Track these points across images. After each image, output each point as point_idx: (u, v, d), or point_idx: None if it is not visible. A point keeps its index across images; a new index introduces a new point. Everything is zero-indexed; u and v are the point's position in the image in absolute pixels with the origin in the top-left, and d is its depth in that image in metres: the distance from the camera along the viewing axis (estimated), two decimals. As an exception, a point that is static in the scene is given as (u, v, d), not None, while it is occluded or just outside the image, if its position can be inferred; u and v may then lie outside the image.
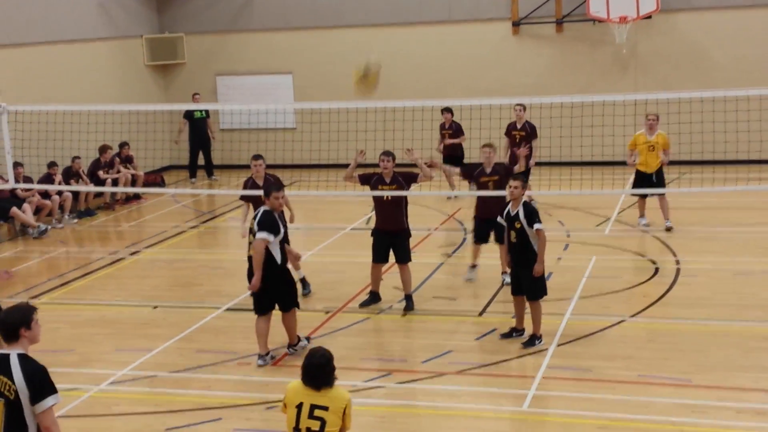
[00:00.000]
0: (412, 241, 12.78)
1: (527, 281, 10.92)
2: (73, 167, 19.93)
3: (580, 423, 9.02)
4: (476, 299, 12.94)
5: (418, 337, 11.75)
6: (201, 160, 24.07)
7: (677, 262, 14.44)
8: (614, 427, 8.92)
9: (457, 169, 13.64)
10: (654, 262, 14.54)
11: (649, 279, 13.66)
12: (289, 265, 12.87)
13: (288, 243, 12.96)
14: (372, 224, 13.03)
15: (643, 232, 16.36)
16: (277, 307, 10.75)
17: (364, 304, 12.74)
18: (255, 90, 25.06)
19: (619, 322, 11.75)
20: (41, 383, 5.93)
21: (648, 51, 22.84)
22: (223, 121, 25.45)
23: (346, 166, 13.00)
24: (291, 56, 25.01)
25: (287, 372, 10.43)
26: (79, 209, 19.96)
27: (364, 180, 12.62)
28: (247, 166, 13.95)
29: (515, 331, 11.32)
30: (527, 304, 11.14)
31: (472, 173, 13.30)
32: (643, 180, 16.19)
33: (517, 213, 10.89)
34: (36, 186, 18.40)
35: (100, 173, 20.55)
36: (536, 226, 10.80)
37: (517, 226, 10.87)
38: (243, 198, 13.62)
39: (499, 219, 11.39)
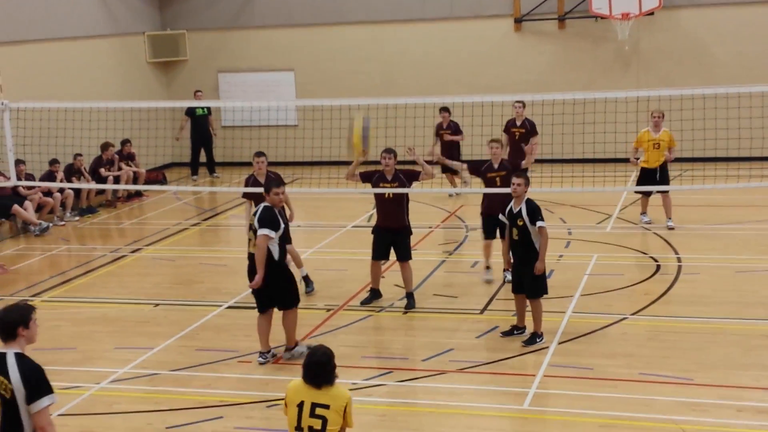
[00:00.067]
0: (414, 239, 12.78)
1: (528, 279, 10.90)
2: (75, 164, 19.94)
3: (581, 421, 9.01)
4: (477, 297, 12.93)
5: (419, 335, 11.75)
6: (203, 158, 24.06)
7: (679, 260, 14.43)
8: (615, 425, 8.91)
9: (465, 165, 13.60)
10: (655, 260, 14.53)
11: (650, 277, 13.65)
12: (292, 264, 12.96)
13: (290, 242, 13.02)
14: (373, 221, 13.02)
15: (644, 230, 16.34)
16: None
17: (365, 302, 12.74)
18: (257, 87, 25.06)
19: (621, 320, 11.74)
20: (37, 383, 5.92)
21: (650, 48, 22.81)
22: (224, 118, 25.44)
23: (348, 163, 13.00)
24: (293, 53, 25.01)
25: (288, 370, 10.43)
26: (81, 207, 19.97)
27: (366, 178, 12.62)
28: (249, 164, 13.95)
29: (516, 329, 11.32)
30: (528, 302, 11.13)
31: (480, 169, 13.28)
32: (647, 177, 16.14)
33: (520, 210, 10.88)
34: (38, 183, 18.40)
35: (102, 171, 20.55)
36: (539, 223, 10.78)
37: (520, 223, 10.85)
38: (245, 195, 13.61)
39: (500, 216, 11.37)
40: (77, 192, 19.74)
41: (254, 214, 10.40)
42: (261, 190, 12.12)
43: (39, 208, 18.72)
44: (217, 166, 24.27)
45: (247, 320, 11.84)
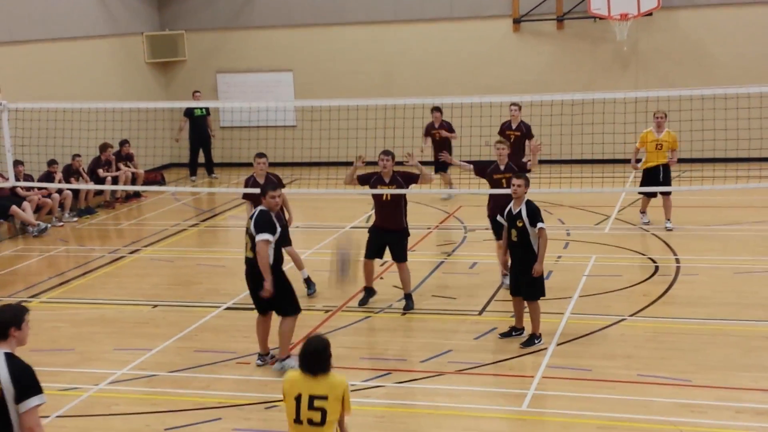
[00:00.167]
0: (412, 240, 12.78)
1: (526, 281, 10.89)
2: (74, 165, 19.93)
3: (579, 422, 9.01)
4: (476, 298, 12.92)
5: (418, 336, 11.75)
6: (201, 158, 24.06)
7: (677, 261, 14.43)
8: (613, 426, 8.91)
9: (471, 166, 13.62)
10: (654, 261, 14.53)
11: (649, 278, 13.65)
12: (293, 267, 12.95)
13: (290, 243, 13.03)
14: (372, 222, 13.01)
15: (643, 231, 16.34)
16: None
17: (362, 302, 12.74)
18: (255, 87, 25.07)
19: (619, 321, 11.74)
20: (27, 382, 5.88)
21: (649, 48, 22.82)
22: (223, 118, 25.45)
23: (347, 164, 12.99)
24: (292, 54, 25.01)
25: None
26: (80, 207, 19.96)
27: (364, 180, 12.60)
28: (248, 164, 13.94)
29: (515, 330, 11.31)
30: (526, 304, 11.12)
31: (485, 170, 13.26)
32: (649, 178, 16.10)
33: (520, 211, 10.86)
34: (36, 184, 18.39)
35: (100, 171, 20.55)
36: (539, 225, 10.77)
37: (519, 224, 10.84)
38: (245, 196, 13.59)
39: (498, 218, 11.37)
40: (76, 193, 19.73)
41: (250, 218, 10.32)
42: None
43: (37, 209, 18.72)
44: (215, 166, 24.27)
45: (246, 321, 11.83)
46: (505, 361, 10.65)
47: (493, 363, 10.60)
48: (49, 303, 13.74)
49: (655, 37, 22.76)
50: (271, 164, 13.29)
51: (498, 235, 13.16)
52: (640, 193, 16.89)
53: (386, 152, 12.48)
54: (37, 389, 5.91)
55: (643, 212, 16.69)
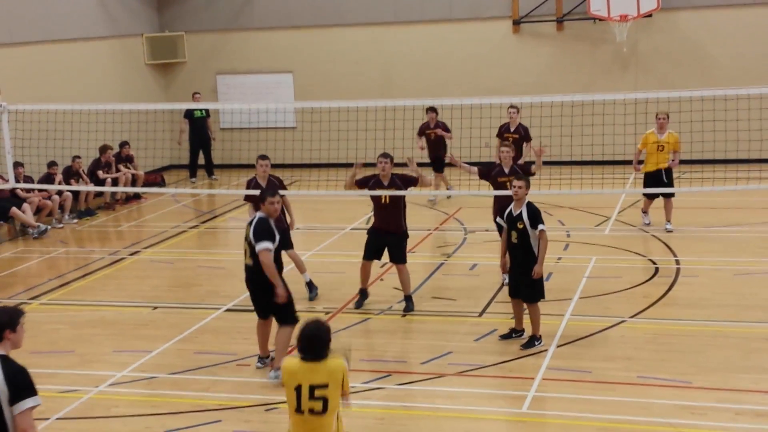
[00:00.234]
0: (412, 241, 12.79)
1: (526, 284, 10.88)
2: (74, 167, 19.93)
3: (579, 424, 9.01)
4: (476, 300, 12.91)
5: (418, 338, 11.75)
6: (201, 160, 24.05)
7: (677, 262, 14.43)
8: (613, 428, 8.92)
9: (475, 169, 13.62)
10: (654, 263, 14.52)
11: (649, 279, 13.65)
12: (294, 269, 12.93)
13: (292, 247, 13.03)
14: (372, 224, 13.01)
15: (643, 232, 16.34)
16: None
17: (358, 305, 12.75)
18: (255, 89, 25.06)
19: (619, 323, 11.74)
20: (21, 384, 5.85)
21: (648, 49, 22.83)
22: (223, 120, 25.45)
23: (347, 165, 12.99)
24: (291, 55, 25.01)
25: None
26: (80, 209, 19.96)
27: (362, 183, 12.59)
28: (248, 166, 13.95)
29: (515, 332, 11.31)
30: (526, 306, 11.12)
31: (490, 173, 13.25)
32: (652, 180, 16.07)
33: (520, 213, 10.85)
34: (36, 186, 18.39)
35: (100, 173, 20.54)
36: (540, 227, 10.76)
37: (520, 226, 10.82)
38: (246, 198, 13.57)
39: (498, 220, 11.36)
40: (75, 194, 19.72)
41: (249, 225, 10.17)
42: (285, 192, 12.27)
43: (37, 211, 18.72)
44: (215, 168, 24.26)
45: (246, 323, 11.82)
46: (506, 363, 10.64)
47: (494, 365, 10.60)
48: (49, 305, 13.74)
49: (655, 38, 22.76)
50: (271, 166, 13.27)
51: None
52: (644, 194, 16.85)
53: (385, 155, 12.47)
54: (31, 391, 5.88)
55: (644, 212, 16.68)
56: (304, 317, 7.21)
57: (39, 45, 21.27)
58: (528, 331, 11.17)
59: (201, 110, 23.53)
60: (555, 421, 9.20)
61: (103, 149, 20.69)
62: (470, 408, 9.56)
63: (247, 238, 10.14)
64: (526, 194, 10.97)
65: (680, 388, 9.72)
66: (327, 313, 12.58)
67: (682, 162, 16.51)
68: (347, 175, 12.69)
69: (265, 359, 10.68)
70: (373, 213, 12.87)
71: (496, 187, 13.07)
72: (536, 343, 11.00)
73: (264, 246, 9.89)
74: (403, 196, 12.51)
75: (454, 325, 12.05)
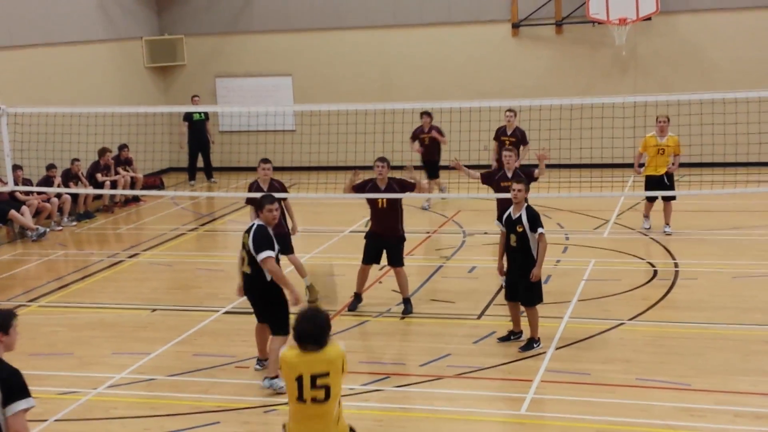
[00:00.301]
0: (411, 244, 12.79)
1: (525, 287, 10.86)
2: (73, 169, 19.92)
3: (578, 426, 9.01)
4: (475, 302, 12.91)
5: (416, 340, 11.74)
6: (200, 163, 24.05)
7: (676, 265, 14.44)
8: (613, 430, 8.92)
9: (478, 173, 13.61)
10: (653, 265, 14.53)
11: (647, 282, 13.65)
12: (294, 273, 12.92)
13: (292, 252, 13.02)
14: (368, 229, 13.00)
15: (642, 235, 16.34)
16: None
17: (351, 308, 12.75)
18: (254, 92, 25.06)
19: (618, 326, 11.74)
20: (14, 386, 5.83)
21: (648, 53, 22.84)
22: (222, 123, 25.45)
23: (346, 168, 13.00)
24: (291, 58, 25.02)
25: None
26: (78, 212, 19.95)
27: (359, 188, 12.58)
28: (247, 169, 13.96)
29: (513, 334, 11.31)
30: (523, 308, 11.11)
31: (493, 178, 13.25)
32: (653, 184, 16.05)
33: (520, 216, 10.84)
34: (35, 188, 18.39)
35: (99, 176, 20.54)
36: (539, 230, 10.75)
37: (519, 230, 10.81)
38: (248, 201, 13.57)
39: (496, 223, 11.35)
40: (74, 197, 19.72)
41: (247, 232, 10.01)
42: (280, 196, 12.27)
43: (36, 213, 18.71)
44: (214, 171, 24.25)
45: (245, 325, 11.81)
46: (504, 365, 10.64)
47: (492, 367, 10.60)
48: (48, 307, 13.73)
49: (654, 41, 22.78)
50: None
51: None
52: (646, 197, 16.83)
53: (382, 159, 12.46)
54: (24, 393, 5.85)
55: (646, 216, 16.61)
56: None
57: (38, 48, 21.28)
58: (526, 333, 11.17)
59: (200, 113, 23.53)
60: (554, 423, 9.19)
61: (102, 152, 20.68)
62: (469, 410, 9.56)
63: (245, 246, 10.00)
64: (525, 197, 10.97)
65: (679, 390, 9.72)
66: (326, 315, 12.55)
67: (682, 165, 16.51)
68: (346, 181, 12.69)
69: (264, 361, 10.65)
70: (370, 217, 12.86)
71: (498, 192, 13.03)
72: (535, 345, 10.99)
73: (266, 255, 9.78)
74: (400, 201, 12.51)
75: (453, 327, 12.05)
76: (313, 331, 6.39)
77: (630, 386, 9.87)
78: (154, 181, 23.29)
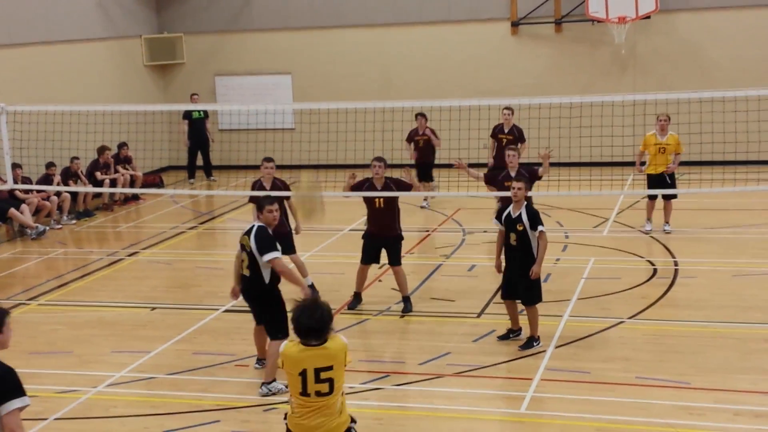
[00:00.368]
0: (411, 242, 12.80)
1: (524, 286, 10.85)
2: (72, 168, 19.92)
3: (577, 425, 9.01)
4: (474, 301, 12.92)
5: (416, 338, 11.74)
6: (200, 161, 24.05)
7: (676, 264, 14.44)
8: (612, 429, 8.92)
9: (482, 174, 13.59)
10: (652, 264, 14.53)
11: (647, 280, 13.65)
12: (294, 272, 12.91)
13: (295, 252, 13.03)
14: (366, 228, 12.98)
15: (641, 233, 16.34)
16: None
17: (351, 307, 12.77)
18: (254, 90, 25.06)
19: (618, 324, 11.75)
20: (9, 384, 5.80)
21: (647, 51, 22.84)
22: (221, 121, 25.45)
23: (346, 166, 13.01)
24: (290, 56, 25.01)
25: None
26: (78, 210, 19.95)
27: (356, 188, 12.59)
28: (246, 167, 13.96)
29: (512, 332, 11.31)
30: (522, 306, 11.11)
31: (496, 178, 13.24)
32: (654, 183, 16.03)
33: (520, 215, 10.83)
34: (34, 187, 18.39)
35: (98, 174, 20.54)
36: (539, 228, 10.75)
37: (519, 228, 10.80)
38: (251, 200, 13.57)
39: (494, 222, 11.31)
40: (74, 195, 19.72)
41: (247, 234, 9.92)
42: (271, 194, 12.27)
43: (36, 212, 18.71)
44: (213, 169, 24.26)
45: (244, 324, 11.79)
46: (504, 364, 10.65)
47: (492, 365, 10.60)
48: (48, 305, 13.73)
49: (654, 40, 22.78)
50: (270, 167, 13.27)
51: None
52: (647, 195, 16.81)
53: (379, 158, 12.46)
54: (19, 392, 5.82)
55: (648, 219, 16.40)
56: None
57: (37, 46, 21.27)
58: (525, 330, 11.17)
59: (199, 111, 23.53)
60: (553, 421, 9.20)
61: (102, 150, 20.69)
62: (468, 408, 9.56)
63: (245, 248, 9.90)
64: (525, 195, 10.97)
65: (679, 388, 9.72)
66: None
67: (682, 164, 16.51)
68: (345, 184, 12.72)
69: (263, 360, 10.61)
70: (367, 217, 12.84)
71: (502, 191, 13.01)
72: (534, 344, 11.00)
73: (273, 255, 9.72)
74: (397, 200, 12.52)
75: (453, 326, 12.06)
76: (316, 325, 6.36)
77: (629, 385, 9.87)
78: (154, 179, 23.29)
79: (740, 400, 9.43)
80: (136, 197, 21.34)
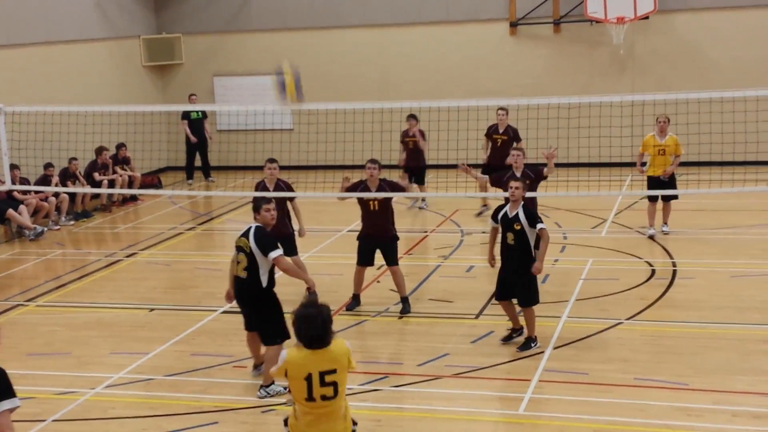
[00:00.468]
0: (409, 243, 12.80)
1: (522, 287, 10.83)
2: (70, 168, 19.92)
3: (576, 426, 9.01)
4: (472, 302, 12.92)
5: (414, 339, 11.74)
6: (198, 162, 24.04)
7: (674, 264, 14.45)
8: (610, 430, 8.92)
9: (486, 177, 13.59)
10: (651, 265, 14.53)
11: (645, 281, 13.65)
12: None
13: (296, 253, 13.03)
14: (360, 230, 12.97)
15: (640, 234, 16.34)
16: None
17: (350, 308, 12.77)
18: (252, 91, 25.03)
19: (616, 325, 11.75)
20: None
21: (646, 51, 22.85)
22: (220, 122, 25.44)
23: (344, 167, 13.01)
24: (289, 57, 24.79)
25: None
26: (76, 211, 19.94)
27: (350, 190, 12.60)
28: (245, 168, 13.96)
29: (514, 332, 11.28)
30: (519, 307, 11.10)
31: (502, 179, 13.25)
32: (655, 185, 15.98)
33: (517, 215, 10.83)
34: (33, 188, 18.38)
35: (96, 175, 20.53)
36: (540, 225, 10.73)
37: (517, 228, 10.79)
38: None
39: (490, 222, 11.29)
40: (72, 196, 19.72)
41: (244, 236, 9.86)
42: (272, 194, 12.32)
43: (34, 213, 18.70)
44: (212, 170, 24.25)
45: (243, 325, 11.78)
46: (502, 365, 10.64)
47: (490, 367, 10.60)
48: (46, 306, 13.72)
49: (652, 40, 22.78)
50: (268, 168, 13.27)
51: None
52: (646, 196, 16.78)
53: (373, 161, 12.46)
54: (8, 393, 5.79)
55: (651, 224, 16.29)
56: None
57: (36, 47, 21.26)
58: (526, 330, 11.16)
59: (198, 112, 23.52)
60: (552, 423, 9.19)
61: (100, 151, 20.68)
62: (467, 410, 9.55)
63: (243, 250, 9.82)
64: (523, 195, 10.97)
65: (677, 390, 9.72)
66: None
67: (680, 164, 16.51)
68: (340, 190, 12.73)
69: (260, 366, 10.48)
70: (361, 219, 12.83)
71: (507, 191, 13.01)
72: (532, 345, 10.99)
73: (277, 254, 9.66)
74: (391, 201, 12.53)
75: (451, 327, 12.05)
76: (319, 333, 6.37)
77: (628, 386, 9.87)
78: (152, 180, 23.28)
79: (738, 401, 9.44)
80: (134, 198, 21.34)
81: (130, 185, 21.37)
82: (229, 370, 10.85)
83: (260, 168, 13.62)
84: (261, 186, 13.21)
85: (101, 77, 23.37)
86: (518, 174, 12.92)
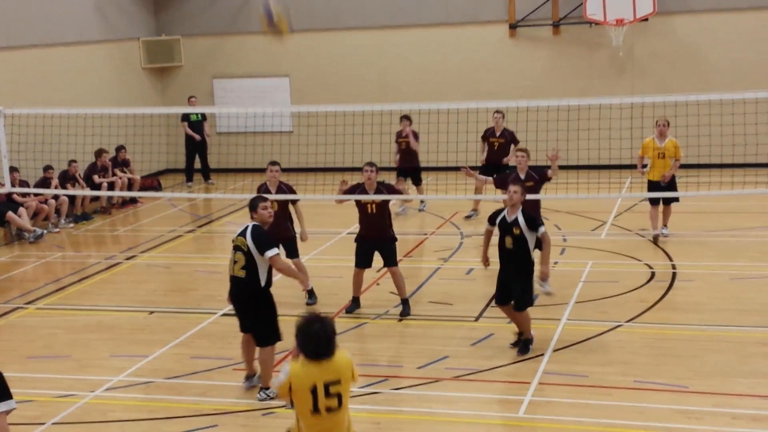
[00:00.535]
0: (409, 246, 12.79)
1: (519, 291, 10.79)
2: (70, 171, 19.91)
3: (575, 429, 9.02)
4: (472, 304, 12.92)
5: (414, 342, 11.74)
6: (197, 164, 24.04)
7: (673, 267, 14.44)
8: (610, 433, 8.93)
9: (490, 179, 13.59)
10: (650, 267, 14.53)
11: (645, 284, 13.65)
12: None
13: (297, 256, 13.04)
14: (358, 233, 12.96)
15: (639, 237, 16.34)
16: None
17: (349, 311, 12.77)
18: (252, 93, 25.07)
19: (615, 328, 11.75)
20: None
21: (645, 54, 22.86)
22: (219, 124, 25.44)
23: (344, 169, 13.01)
24: (288, 59, 25.01)
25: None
26: (76, 213, 19.94)
27: (348, 193, 12.61)
28: (244, 170, 13.94)
29: (521, 335, 11.22)
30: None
31: (505, 180, 13.23)
32: (655, 188, 15.87)
33: (516, 219, 10.82)
34: (32, 190, 18.37)
35: (96, 177, 20.53)
36: (541, 229, 10.72)
37: (516, 232, 10.76)
38: None
39: (488, 226, 11.24)
40: (72, 199, 19.72)
41: (241, 235, 9.77)
42: (274, 197, 12.38)
43: (33, 215, 18.69)
44: (211, 172, 24.25)
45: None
46: (502, 368, 10.64)
47: (490, 369, 10.60)
48: (45, 309, 13.72)
49: (651, 42, 22.79)
50: (267, 170, 13.27)
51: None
52: (647, 199, 16.76)
53: (371, 163, 12.47)
54: (4, 395, 5.80)
55: (654, 228, 16.23)
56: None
57: (35, 49, 21.27)
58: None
59: (197, 114, 23.52)
60: (551, 425, 9.20)
61: (99, 153, 20.68)
62: (466, 413, 9.55)
63: (241, 248, 9.76)
64: (522, 199, 10.95)
65: (677, 392, 9.72)
66: (323, 317, 12.55)
67: (679, 166, 16.51)
68: (336, 195, 12.74)
69: (252, 377, 10.34)
70: (359, 221, 12.83)
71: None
72: (531, 346, 10.98)
73: (274, 252, 9.65)
74: (388, 204, 12.54)
75: (451, 329, 12.05)
76: (325, 346, 6.31)
77: (628, 388, 9.87)
78: (152, 182, 23.27)
79: (738, 403, 9.44)
80: (134, 200, 21.34)
81: (130, 188, 21.37)
82: (228, 372, 10.84)
83: (260, 170, 13.64)
84: (263, 189, 13.21)
85: (101, 79, 23.38)
86: (522, 176, 12.89)
